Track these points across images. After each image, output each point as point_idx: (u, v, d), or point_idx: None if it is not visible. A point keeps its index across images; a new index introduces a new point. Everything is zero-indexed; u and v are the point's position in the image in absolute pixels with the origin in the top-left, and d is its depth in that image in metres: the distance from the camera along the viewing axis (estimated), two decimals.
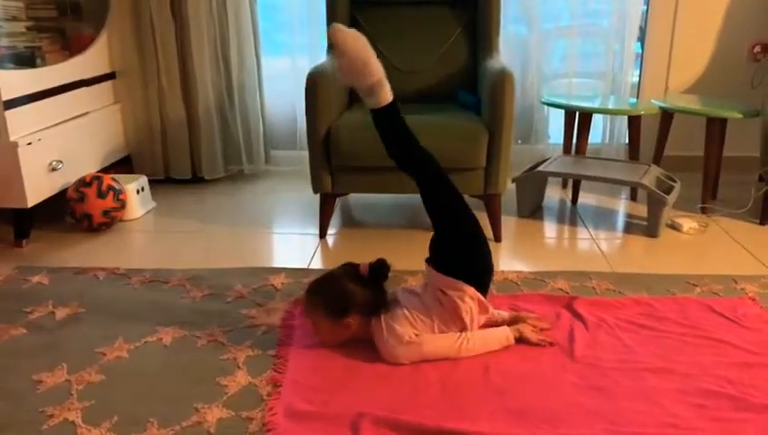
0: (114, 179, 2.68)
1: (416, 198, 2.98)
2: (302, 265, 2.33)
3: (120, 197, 2.66)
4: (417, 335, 1.66)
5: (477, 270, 1.71)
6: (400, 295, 1.76)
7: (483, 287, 1.72)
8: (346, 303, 1.69)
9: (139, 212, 2.83)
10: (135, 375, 1.64)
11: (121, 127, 3.19)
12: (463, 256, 1.70)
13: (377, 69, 1.69)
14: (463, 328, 1.70)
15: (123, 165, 3.19)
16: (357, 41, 1.67)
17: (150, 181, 2.99)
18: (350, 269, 1.76)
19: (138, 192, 2.83)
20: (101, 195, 2.58)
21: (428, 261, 1.75)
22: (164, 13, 3.05)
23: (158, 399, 1.54)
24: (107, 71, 3.08)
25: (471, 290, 1.67)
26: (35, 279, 2.18)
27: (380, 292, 1.75)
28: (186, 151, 3.25)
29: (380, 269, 1.73)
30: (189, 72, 3.14)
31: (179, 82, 3.15)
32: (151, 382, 1.61)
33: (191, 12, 3.05)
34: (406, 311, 1.69)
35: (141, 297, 2.06)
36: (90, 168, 2.84)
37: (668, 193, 2.56)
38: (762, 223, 2.68)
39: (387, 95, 1.72)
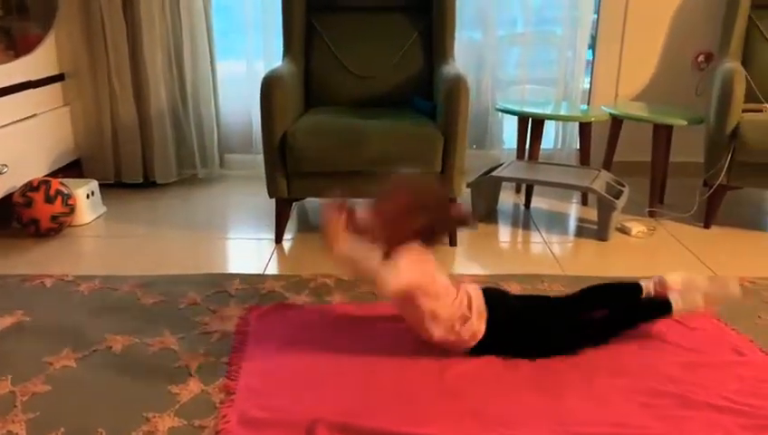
0: (63, 184, 2.61)
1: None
2: (258, 270, 2.31)
3: (69, 201, 2.59)
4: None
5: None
6: None
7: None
8: (439, 228, 1.69)
9: (89, 217, 2.76)
10: (83, 385, 1.60)
11: (71, 130, 3.10)
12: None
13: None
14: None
15: (73, 169, 3.10)
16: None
17: (101, 186, 2.92)
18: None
19: (87, 197, 2.76)
20: (49, 200, 2.51)
21: None
22: (115, 13, 2.98)
23: (108, 408, 1.51)
24: (55, 72, 3.00)
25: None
26: None
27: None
28: (137, 155, 3.18)
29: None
30: (141, 73, 3.08)
31: (131, 84, 3.09)
32: (100, 392, 1.57)
33: (143, 12, 3.00)
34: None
35: (91, 305, 2.01)
36: (37, 172, 2.76)
37: (618, 198, 2.63)
38: (706, 226, 2.77)
39: None
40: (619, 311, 1.76)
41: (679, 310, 1.73)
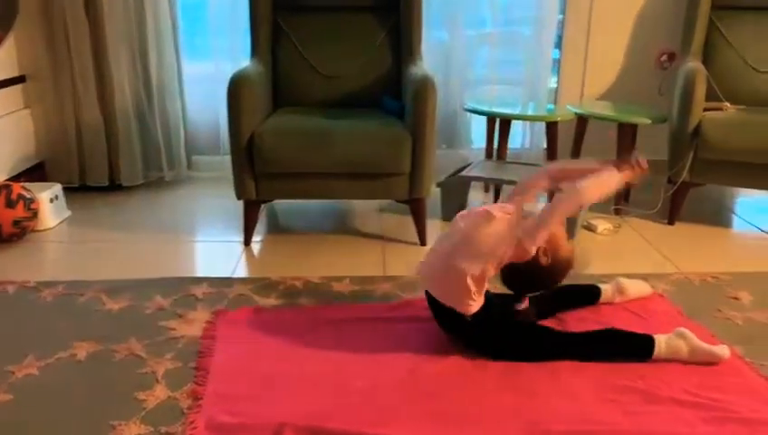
0: (25, 188, 2.55)
1: (342, 203, 3.01)
2: (226, 273, 2.29)
3: (32, 206, 2.53)
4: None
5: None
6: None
7: None
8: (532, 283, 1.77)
9: (53, 222, 2.71)
10: (46, 393, 1.57)
11: (33, 132, 3.04)
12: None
13: None
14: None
15: (36, 172, 3.04)
16: None
17: (65, 189, 2.86)
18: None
19: (51, 201, 2.70)
20: (11, 204, 2.45)
21: None
22: (77, 14, 2.93)
23: (72, 417, 1.48)
24: (15, 74, 2.93)
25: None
26: None
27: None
28: (103, 158, 3.12)
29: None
30: (105, 75, 3.03)
31: (95, 86, 3.03)
32: (64, 400, 1.54)
33: (106, 13, 2.94)
34: None
35: (54, 311, 1.97)
36: None
37: None
38: (670, 223, 2.82)
39: None
40: (603, 340, 1.76)
41: (660, 354, 1.71)
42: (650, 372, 1.66)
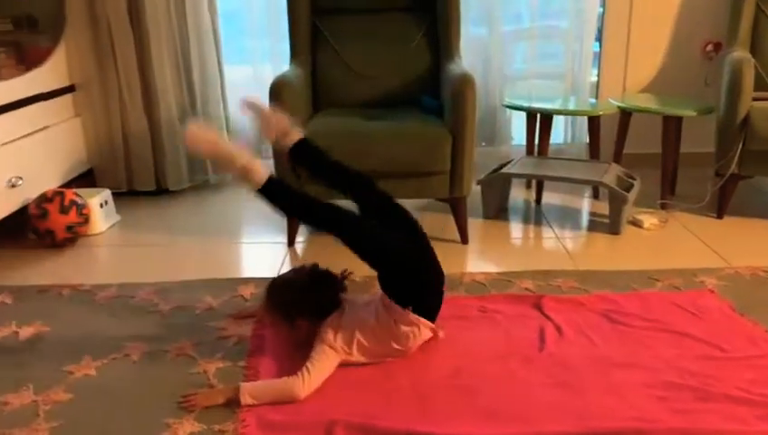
0: (77, 194, 2.64)
1: None
2: (272, 274, 2.31)
3: (84, 211, 2.62)
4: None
5: (427, 298, 1.73)
6: (348, 308, 1.77)
7: (432, 313, 1.73)
8: (293, 310, 1.73)
9: (103, 226, 2.79)
10: (103, 393, 1.62)
11: (82, 140, 3.14)
12: (412, 290, 1.71)
13: (238, 155, 1.75)
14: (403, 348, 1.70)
15: (85, 179, 3.14)
16: (204, 140, 1.79)
17: (114, 194, 2.94)
18: (307, 273, 1.81)
19: (101, 206, 2.79)
20: (64, 210, 2.54)
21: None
22: (122, 23, 3.01)
23: (128, 416, 1.53)
24: (66, 84, 3.03)
25: (423, 322, 1.69)
26: None
27: (330, 294, 1.78)
28: (149, 163, 3.21)
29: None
30: (150, 82, 3.11)
31: (140, 93, 3.11)
32: (120, 399, 1.59)
33: (150, 21, 3.02)
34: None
35: (108, 313, 2.03)
36: (51, 183, 2.79)
37: (629, 190, 2.62)
38: (719, 217, 2.76)
39: (260, 174, 1.76)
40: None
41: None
42: (702, 369, 1.63)
